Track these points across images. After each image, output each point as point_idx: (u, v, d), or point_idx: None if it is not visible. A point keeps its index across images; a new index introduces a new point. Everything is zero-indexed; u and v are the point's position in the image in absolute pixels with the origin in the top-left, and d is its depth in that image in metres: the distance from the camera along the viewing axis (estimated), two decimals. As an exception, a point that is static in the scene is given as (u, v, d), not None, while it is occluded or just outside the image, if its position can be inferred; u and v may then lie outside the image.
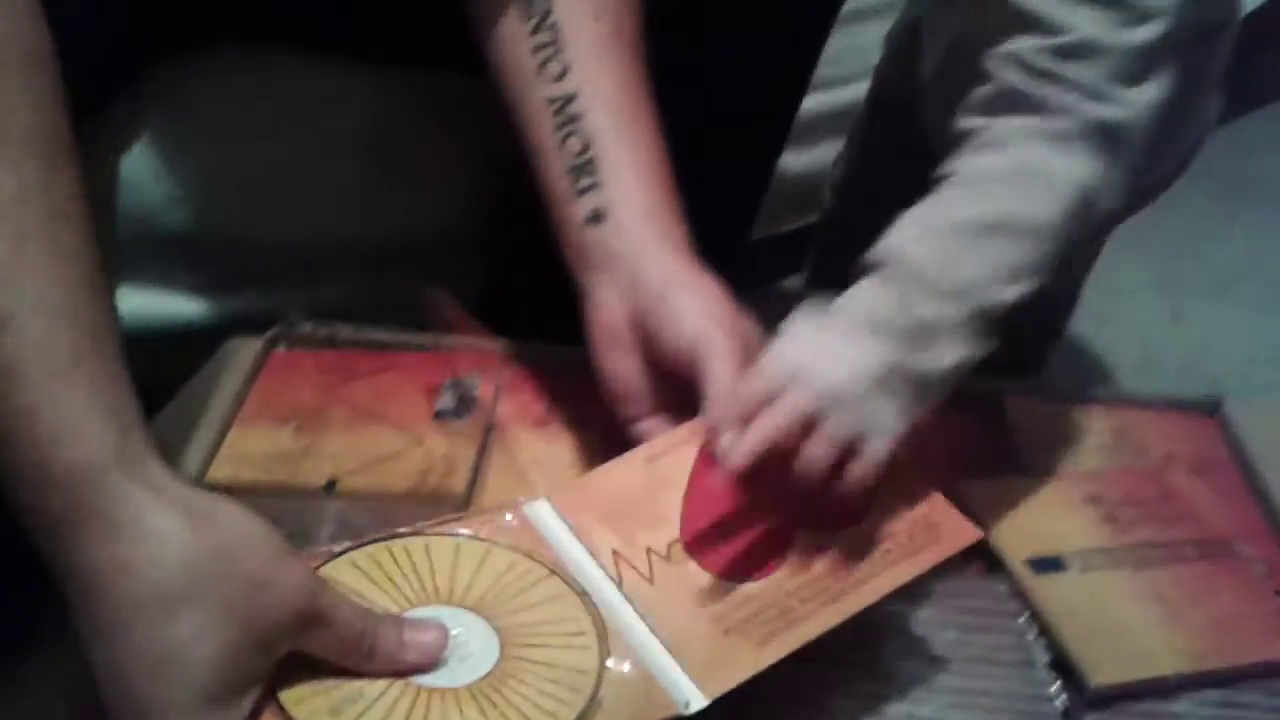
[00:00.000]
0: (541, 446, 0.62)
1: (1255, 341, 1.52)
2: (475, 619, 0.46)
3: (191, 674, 0.37)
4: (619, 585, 0.48)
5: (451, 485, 0.58)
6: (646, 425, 0.55)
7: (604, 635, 0.46)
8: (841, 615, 0.48)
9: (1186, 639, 0.54)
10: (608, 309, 0.55)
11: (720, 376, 0.52)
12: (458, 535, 0.49)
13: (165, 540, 0.37)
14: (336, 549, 0.47)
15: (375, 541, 0.48)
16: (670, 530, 0.50)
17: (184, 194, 0.70)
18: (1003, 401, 0.67)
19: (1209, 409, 0.69)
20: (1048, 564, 0.56)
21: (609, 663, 0.45)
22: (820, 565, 0.49)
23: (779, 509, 0.51)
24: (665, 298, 0.53)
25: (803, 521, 0.50)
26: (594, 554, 0.49)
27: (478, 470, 0.60)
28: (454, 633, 0.45)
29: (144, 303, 0.72)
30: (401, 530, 0.49)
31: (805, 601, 0.48)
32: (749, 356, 0.53)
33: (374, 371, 0.65)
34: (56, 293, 0.39)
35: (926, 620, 0.54)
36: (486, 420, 0.63)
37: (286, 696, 0.40)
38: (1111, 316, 1.43)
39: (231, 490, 0.56)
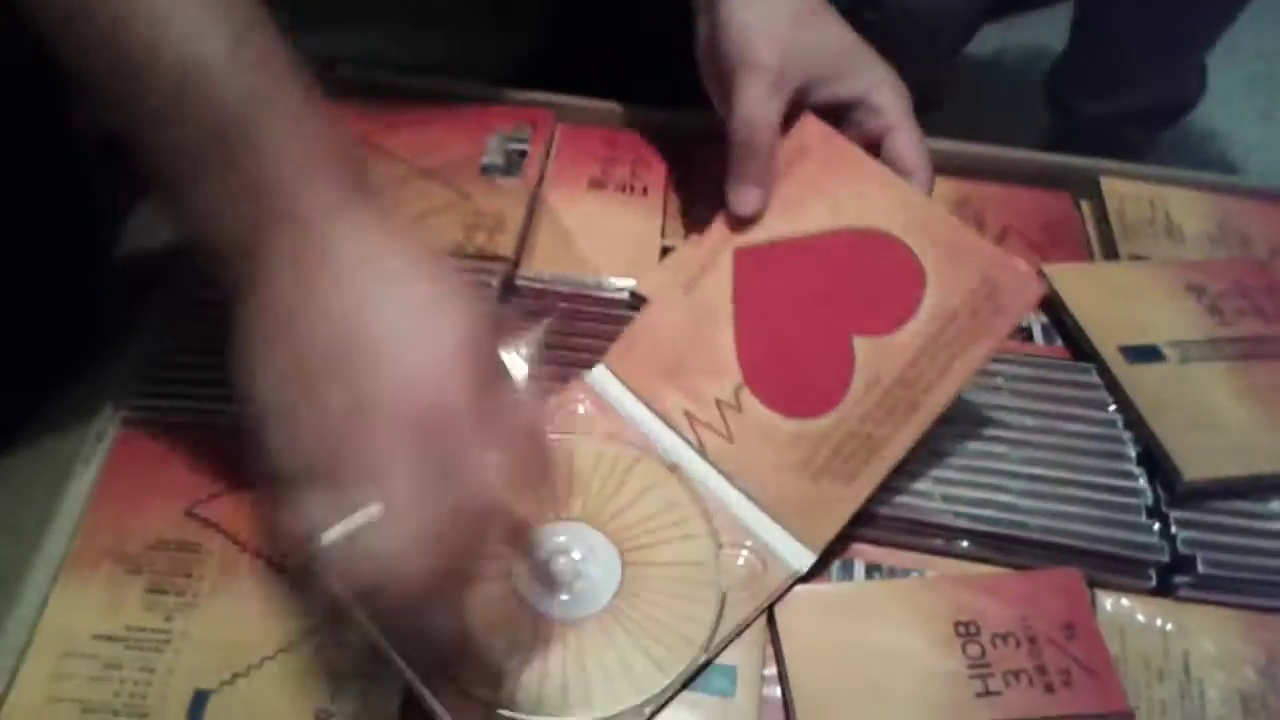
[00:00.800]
0: (594, 208, 0.57)
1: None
2: (583, 529, 0.45)
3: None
4: (702, 452, 0.47)
5: (499, 245, 0.54)
6: None
7: (709, 518, 0.45)
8: (922, 425, 0.45)
9: (1286, 438, 0.50)
10: (701, 37, 0.54)
11: (746, 100, 0.50)
12: None
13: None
14: None
15: None
16: (732, 373, 0.48)
17: None
18: (1099, 182, 0.61)
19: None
20: (1143, 353, 0.52)
21: (722, 549, 0.45)
22: (887, 375, 0.46)
23: (829, 312, 0.48)
24: (729, 16, 0.51)
25: (856, 325, 0.48)
26: (668, 421, 0.48)
27: (526, 231, 0.56)
28: (574, 556, 0.44)
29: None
30: None
31: (881, 422, 0.46)
32: (786, 79, 0.50)
33: (418, 122, 0.60)
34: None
35: (1006, 406, 0.50)
36: (536, 178, 0.58)
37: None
38: (1198, 118, 1.35)
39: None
